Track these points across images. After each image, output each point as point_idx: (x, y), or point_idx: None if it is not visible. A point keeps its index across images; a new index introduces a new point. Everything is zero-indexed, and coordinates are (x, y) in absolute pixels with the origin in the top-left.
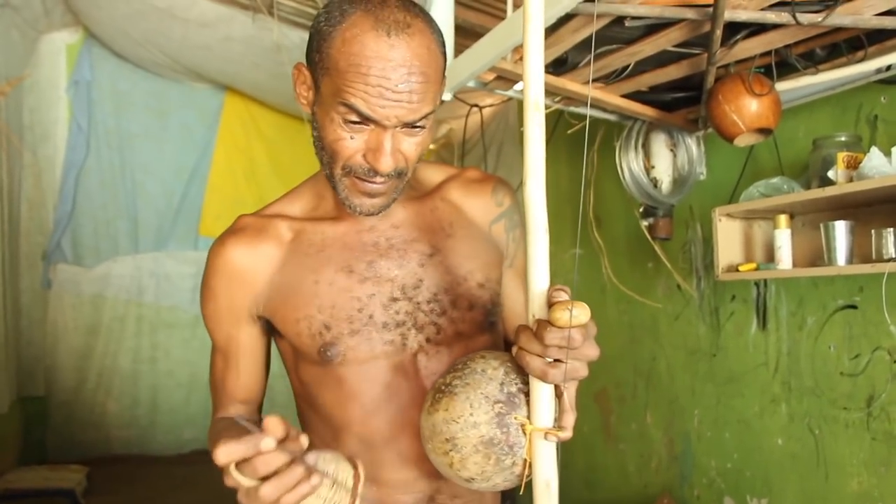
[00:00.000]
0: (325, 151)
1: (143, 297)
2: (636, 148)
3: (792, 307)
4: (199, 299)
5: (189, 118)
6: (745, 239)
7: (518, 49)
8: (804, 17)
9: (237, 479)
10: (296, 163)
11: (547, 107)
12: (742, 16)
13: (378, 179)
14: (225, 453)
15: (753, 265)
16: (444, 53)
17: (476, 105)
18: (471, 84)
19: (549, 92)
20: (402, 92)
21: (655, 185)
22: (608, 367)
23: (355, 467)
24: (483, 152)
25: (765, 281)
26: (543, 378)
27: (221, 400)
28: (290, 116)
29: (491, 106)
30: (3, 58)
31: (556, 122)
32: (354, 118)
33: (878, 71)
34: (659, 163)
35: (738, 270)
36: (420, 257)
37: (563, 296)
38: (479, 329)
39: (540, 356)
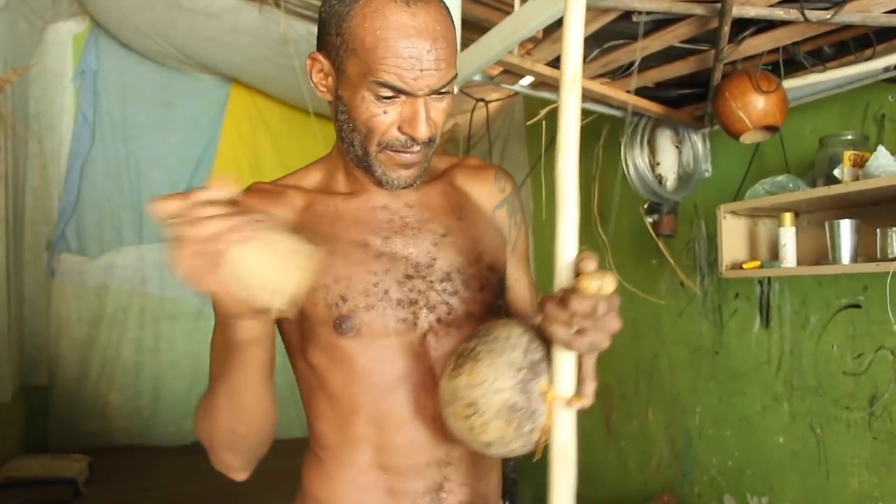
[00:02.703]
0: (358, 131)
1: (147, 287)
2: (641, 144)
3: (795, 305)
4: None
5: (195, 109)
6: (749, 237)
7: (524, 44)
8: (813, 14)
9: (169, 232)
10: (301, 155)
11: (552, 102)
12: (750, 12)
13: (415, 149)
14: (162, 202)
15: (757, 263)
16: (452, 17)
17: (482, 99)
18: (477, 78)
19: (555, 87)
20: (430, 60)
21: (660, 182)
22: (610, 363)
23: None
24: (488, 147)
25: (768, 279)
26: (569, 347)
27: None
28: (296, 109)
29: (497, 101)
30: (10, 47)
31: None
32: (387, 93)
33: (886, 69)
34: (664, 159)
35: (741, 268)
36: (433, 237)
37: (592, 265)
38: (488, 311)
39: (565, 325)
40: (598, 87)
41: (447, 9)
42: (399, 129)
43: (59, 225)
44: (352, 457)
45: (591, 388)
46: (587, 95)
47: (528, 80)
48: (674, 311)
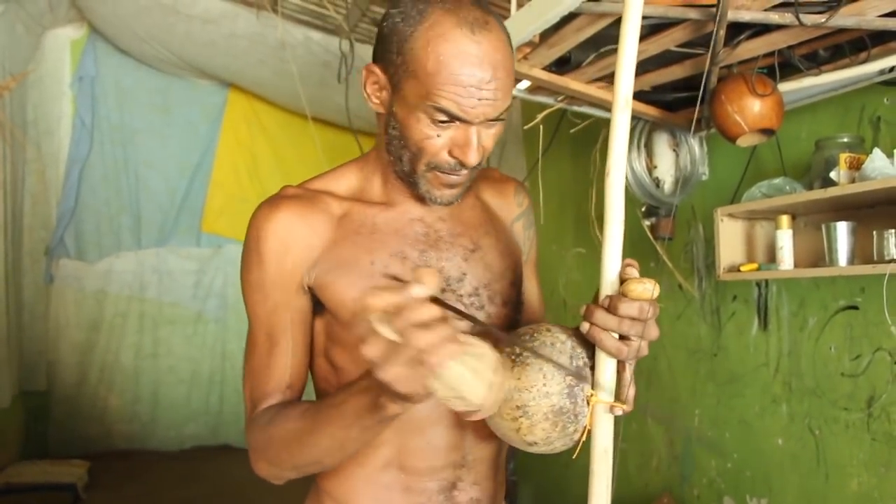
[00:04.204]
0: (409, 149)
1: (146, 292)
2: (639, 148)
3: (793, 308)
4: (201, 295)
5: (192, 114)
6: (746, 239)
7: (521, 48)
8: (807, 18)
9: (381, 331)
10: (299, 160)
11: (549, 106)
12: (745, 16)
13: (463, 172)
14: (377, 297)
15: (755, 265)
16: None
17: None
18: None
19: (552, 91)
20: (489, 90)
21: (658, 185)
22: None
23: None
24: None
25: (766, 281)
26: (618, 355)
27: (265, 387)
28: (294, 114)
29: None
30: (8, 53)
31: (558, 122)
32: (443, 118)
33: (881, 72)
34: (661, 163)
35: (739, 270)
36: (464, 252)
37: (635, 272)
38: (508, 326)
39: (614, 332)
40: (595, 91)
41: (508, 37)
42: (450, 152)
43: (58, 230)
44: (371, 457)
45: (632, 392)
46: (584, 100)
47: (524, 84)
48: (672, 313)
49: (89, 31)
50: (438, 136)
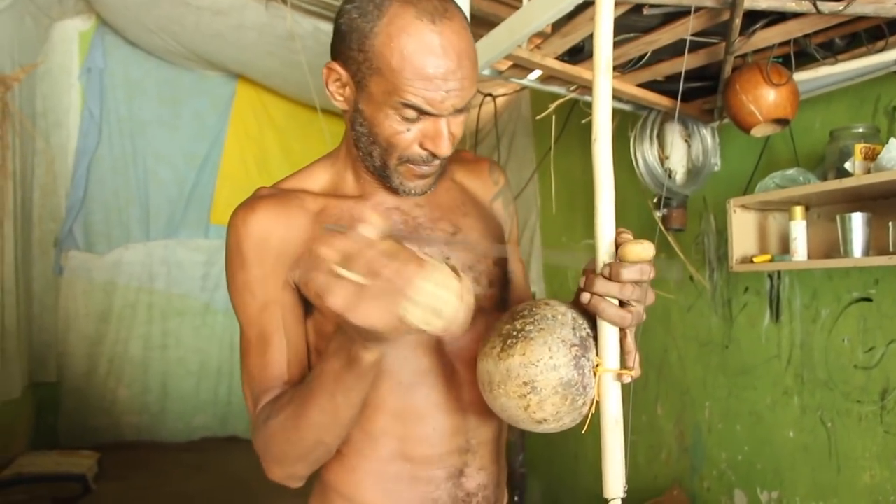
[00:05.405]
0: (379, 145)
1: (154, 284)
2: (651, 138)
3: (806, 299)
4: (209, 286)
5: (201, 106)
6: (759, 230)
7: (533, 38)
8: (825, 6)
9: (347, 275)
10: (307, 151)
11: (561, 96)
12: (762, 4)
13: (435, 163)
14: (328, 248)
15: (768, 257)
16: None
17: (489, 94)
18: (485, 73)
19: (565, 81)
20: (456, 80)
21: (670, 176)
22: None
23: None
24: (496, 141)
25: (778, 273)
26: (620, 322)
27: (263, 385)
28: (302, 105)
29: (504, 95)
30: (17, 45)
31: (569, 112)
32: (412, 114)
33: None
34: (673, 153)
35: (752, 262)
36: (445, 236)
37: (629, 236)
38: (496, 305)
39: (614, 300)
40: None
41: (467, 20)
42: (421, 144)
43: (67, 222)
44: (375, 449)
45: (637, 359)
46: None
47: (537, 73)
48: (683, 305)
49: (97, 23)
50: (408, 130)
